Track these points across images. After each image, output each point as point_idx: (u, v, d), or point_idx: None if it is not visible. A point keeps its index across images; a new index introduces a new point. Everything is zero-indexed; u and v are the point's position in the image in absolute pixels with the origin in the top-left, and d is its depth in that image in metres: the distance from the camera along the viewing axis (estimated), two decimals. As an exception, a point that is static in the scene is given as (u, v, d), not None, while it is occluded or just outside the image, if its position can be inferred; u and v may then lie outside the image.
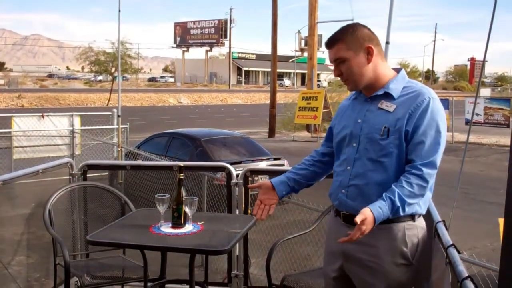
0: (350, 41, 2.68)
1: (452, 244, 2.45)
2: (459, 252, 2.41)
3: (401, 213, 2.56)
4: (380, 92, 2.72)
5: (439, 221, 2.87)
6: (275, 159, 9.88)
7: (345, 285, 2.84)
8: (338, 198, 2.79)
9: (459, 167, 4.56)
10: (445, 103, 22.25)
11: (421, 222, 2.72)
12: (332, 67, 2.91)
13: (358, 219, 2.44)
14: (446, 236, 2.62)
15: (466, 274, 2.12)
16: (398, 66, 2.89)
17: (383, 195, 2.55)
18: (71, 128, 12.94)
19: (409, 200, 2.55)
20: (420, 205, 2.68)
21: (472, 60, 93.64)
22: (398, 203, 2.53)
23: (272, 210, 2.98)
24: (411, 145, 2.61)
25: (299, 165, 3.06)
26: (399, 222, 2.64)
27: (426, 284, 2.85)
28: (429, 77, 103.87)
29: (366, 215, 2.47)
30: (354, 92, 2.88)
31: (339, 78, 2.82)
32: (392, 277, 2.64)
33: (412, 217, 2.67)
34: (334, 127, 2.95)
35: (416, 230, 2.68)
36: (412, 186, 2.55)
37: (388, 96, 2.70)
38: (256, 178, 9.01)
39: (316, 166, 3.03)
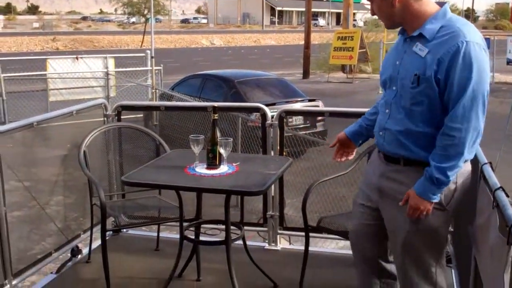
0: None
1: (500, 187, 2.34)
2: (507, 196, 2.30)
3: (449, 179, 2.49)
4: (415, 33, 2.58)
5: (485, 163, 2.75)
6: (309, 100, 9.76)
7: (371, 216, 2.85)
8: (377, 138, 2.78)
9: (500, 109, 4.39)
10: (486, 42, 21.54)
11: (463, 168, 2.59)
12: (368, 6, 2.79)
13: (401, 202, 2.56)
14: (493, 179, 2.51)
15: (516, 219, 2.02)
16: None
17: (424, 170, 2.53)
18: (105, 70, 12.97)
19: (446, 165, 2.47)
20: (470, 150, 2.54)
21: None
22: (435, 174, 2.48)
23: (351, 155, 3.09)
24: (445, 96, 2.49)
25: (371, 109, 3.03)
26: None
27: (470, 228, 2.77)
28: (469, 16, 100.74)
29: (409, 194, 2.56)
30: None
31: (375, 17, 2.70)
32: (422, 220, 2.58)
33: None
34: (382, 66, 2.88)
35: (455, 175, 2.55)
36: (444, 149, 2.48)
37: (422, 37, 2.55)
38: (290, 119, 8.95)
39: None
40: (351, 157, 3.06)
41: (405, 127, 2.60)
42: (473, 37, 2.47)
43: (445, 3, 2.62)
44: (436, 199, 2.53)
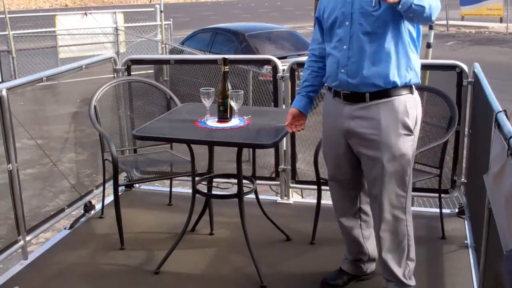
0: None
1: (515, 135, 2.30)
2: (522, 144, 2.25)
3: (413, 4, 2.47)
4: None
5: (500, 111, 2.70)
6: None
7: (344, 163, 2.96)
8: (337, 78, 2.80)
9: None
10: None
11: (417, 95, 2.85)
12: None
13: None
14: (508, 126, 2.46)
15: (530, 166, 1.99)
16: None
17: None
18: (114, 26, 12.86)
19: None
20: (417, 74, 2.80)
21: None
22: None
23: (303, 126, 3.10)
24: None
25: (310, 74, 3.04)
26: (400, 95, 2.74)
27: (484, 178, 2.73)
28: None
29: None
30: None
31: None
32: (396, 147, 2.75)
33: (410, 89, 2.78)
34: (321, 14, 2.89)
35: (414, 102, 2.80)
36: None
37: None
38: (302, 73, 8.85)
39: (324, 64, 2.96)
40: (303, 127, 3.10)
41: (372, 51, 2.68)
42: None
43: None
44: None
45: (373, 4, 2.61)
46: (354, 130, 2.81)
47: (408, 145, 2.78)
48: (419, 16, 2.51)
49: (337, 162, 3.00)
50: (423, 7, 2.48)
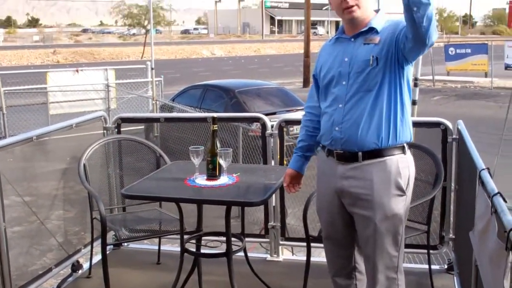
0: None
1: (498, 193, 2.34)
2: (505, 201, 2.30)
3: None
4: (364, 29, 2.77)
5: (483, 169, 2.75)
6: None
7: (338, 221, 2.96)
8: (331, 137, 2.84)
9: (499, 113, 4.41)
10: (484, 47, 21.68)
11: (410, 155, 2.87)
12: None
13: None
14: (491, 184, 2.51)
15: (514, 224, 2.02)
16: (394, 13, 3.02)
17: None
18: (105, 82, 12.98)
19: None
20: (410, 133, 2.82)
21: (511, 3, 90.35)
22: None
23: (300, 185, 3.17)
24: (401, 34, 2.63)
25: (306, 133, 3.10)
26: (392, 156, 2.77)
27: (470, 234, 2.76)
28: (467, 22, 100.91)
29: None
30: (334, 35, 2.95)
31: None
32: (389, 207, 2.76)
33: (403, 149, 2.80)
34: (318, 72, 2.97)
35: (407, 162, 2.82)
36: None
37: (371, 30, 2.76)
38: (291, 128, 8.93)
39: (317, 124, 3.03)
40: (300, 186, 3.17)
41: (367, 109, 2.73)
42: None
43: (379, 9, 2.86)
44: None
45: (371, 63, 2.70)
46: (347, 190, 2.84)
47: (400, 205, 2.80)
48: (423, 10, 2.42)
49: (331, 220, 3.00)
50: (428, 2, 2.41)
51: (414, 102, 6.23)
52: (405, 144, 2.83)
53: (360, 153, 2.77)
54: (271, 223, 4.47)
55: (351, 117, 2.76)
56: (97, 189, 4.02)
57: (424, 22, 2.45)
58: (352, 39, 2.81)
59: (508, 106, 4.95)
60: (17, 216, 3.93)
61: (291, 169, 3.12)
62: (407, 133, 2.82)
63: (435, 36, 2.54)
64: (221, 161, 3.30)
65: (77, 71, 12.92)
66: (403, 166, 2.80)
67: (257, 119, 4.52)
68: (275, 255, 4.50)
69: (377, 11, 2.86)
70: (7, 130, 11.25)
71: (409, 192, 2.84)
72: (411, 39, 2.55)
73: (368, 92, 2.73)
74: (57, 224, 4.34)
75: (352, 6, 2.74)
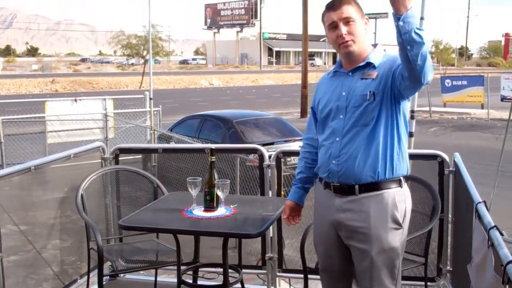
0: (357, 6, 2.84)
1: (494, 226, 2.36)
2: (501, 234, 2.31)
3: (414, 29, 2.44)
4: (362, 64, 2.82)
5: (480, 202, 2.77)
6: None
7: (334, 253, 2.97)
8: (328, 169, 2.87)
9: (495, 145, 4.44)
10: (480, 79, 21.86)
11: (407, 188, 2.89)
12: None
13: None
14: (488, 218, 2.52)
15: (510, 258, 2.03)
16: (390, 46, 2.99)
17: None
18: (104, 112, 13.01)
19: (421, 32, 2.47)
20: (406, 166, 2.85)
21: (507, 35, 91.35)
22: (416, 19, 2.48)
23: (300, 217, 3.20)
24: (397, 71, 2.67)
25: (304, 165, 3.13)
26: (389, 189, 2.79)
27: (468, 268, 2.76)
28: (463, 54, 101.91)
29: None
30: (332, 68, 3.00)
31: None
32: (385, 240, 2.78)
33: (399, 182, 2.83)
34: (316, 105, 3.02)
35: (404, 195, 2.84)
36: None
37: (369, 65, 2.81)
38: (289, 159, 8.95)
39: (316, 155, 3.07)
40: (300, 218, 3.19)
41: (364, 143, 2.76)
42: None
43: (377, 44, 2.92)
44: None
45: (368, 98, 2.74)
46: (344, 223, 2.85)
47: (397, 239, 2.81)
48: (417, 48, 2.45)
49: (328, 253, 3.01)
50: (422, 42, 2.44)
51: (411, 134, 6.25)
52: (401, 178, 2.85)
53: (357, 186, 2.79)
54: (268, 254, 4.45)
55: (348, 151, 2.80)
56: (94, 219, 4.02)
57: (419, 60, 2.48)
58: (350, 73, 2.86)
59: (504, 138, 4.98)
60: (13, 245, 3.92)
61: (291, 200, 3.14)
62: (403, 167, 2.84)
63: (430, 75, 2.56)
64: (219, 192, 3.31)
65: (75, 100, 12.96)
66: (400, 199, 2.81)
67: (254, 150, 4.54)
68: (272, 287, 4.48)
69: (375, 45, 2.91)
70: (4, 159, 11.23)
71: (406, 225, 2.85)
72: (407, 77, 2.59)
73: (365, 126, 2.77)
74: (54, 253, 4.33)
75: (348, 41, 2.80)
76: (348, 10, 2.80)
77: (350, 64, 2.88)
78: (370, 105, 2.75)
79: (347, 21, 2.79)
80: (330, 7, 2.83)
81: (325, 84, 3.01)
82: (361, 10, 2.85)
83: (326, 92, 2.96)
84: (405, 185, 2.88)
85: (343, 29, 2.79)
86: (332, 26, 2.83)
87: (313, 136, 3.10)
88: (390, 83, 2.73)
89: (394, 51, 2.80)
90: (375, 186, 2.78)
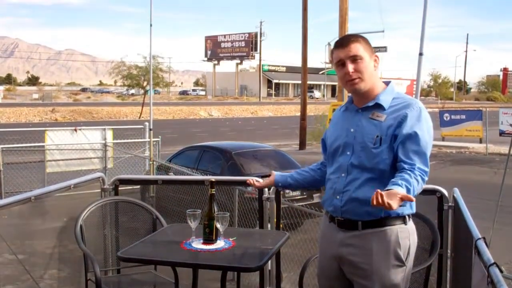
0: (365, 44, 2.87)
1: (494, 263, 2.36)
2: (501, 271, 2.31)
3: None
4: (371, 103, 2.86)
5: (479, 238, 2.77)
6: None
7: (341, 287, 2.97)
8: (332, 204, 2.90)
9: (494, 179, 4.46)
10: (479, 114, 21.98)
11: (411, 225, 2.88)
12: None
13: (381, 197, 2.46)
14: (488, 254, 2.52)
15: (510, 295, 2.03)
16: (388, 79, 3.07)
17: (398, 181, 2.57)
18: (103, 142, 13.04)
19: (416, 187, 2.61)
20: (411, 205, 2.83)
21: (505, 70, 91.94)
22: (411, 186, 2.58)
23: (258, 184, 3.45)
24: (405, 147, 2.71)
25: (303, 169, 3.28)
26: (392, 226, 2.79)
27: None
28: (461, 88, 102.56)
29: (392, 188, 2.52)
30: (345, 103, 3.04)
31: None
32: (387, 278, 2.76)
33: (403, 219, 2.82)
34: (327, 138, 3.09)
35: (407, 232, 2.83)
36: (417, 180, 2.64)
37: (378, 107, 2.83)
38: (287, 191, 8.94)
39: (317, 173, 3.21)
40: (257, 184, 3.44)
41: (368, 186, 2.77)
42: (423, 106, 2.81)
43: (390, 82, 2.95)
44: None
45: (374, 142, 2.77)
46: (346, 258, 2.86)
47: (399, 276, 2.79)
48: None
49: (330, 285, 3.01)
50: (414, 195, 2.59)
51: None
52: (406, 215, 2.83)
53: (360, 222, 2.80)
54: (266, 288, 4.43)
55: (352, 188, 2.82)
56: (93, 249, 4.00)
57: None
58: (360, 110, 2.90)
59: (504, 173, 5.00)
60: (10, 274, 3.91)
61: (276, 177, 3.28)
62: (408, 206, 2.82)
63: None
64: (218, 225, 3.31)
65: (75, 130, 13.00)
66: (403, 236, 2.81)
67: (254, 183, 4.53)
68: (270, 321, 4.44)
69: (387, 83, 2.94)
70: (3, 187, 11.21)
71: (410, 263, 2.83)
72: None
73: (369, 166, 2.79)
74: (50, 283, 4.31)
75: (355, 79, 2.84)
76: (356, 48, 2.83)
77: (359, 101, 2.92)
78: (375, 149, 2.78)
79: (354, 59, 2.83)
80: (338, 45, 2.88)
81: (338, 118, 3.06)
82: (370, 48, 2.88)
83: (336, 127, 3.01)
84: (410, 222, 2.87)
85: (350, 67, 2.83)
86: (340, 64, 2.87)
87: (323, 162, 3.18)
88: (393, 141, 2.76)
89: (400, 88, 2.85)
90: (378, 222, 2.79)
